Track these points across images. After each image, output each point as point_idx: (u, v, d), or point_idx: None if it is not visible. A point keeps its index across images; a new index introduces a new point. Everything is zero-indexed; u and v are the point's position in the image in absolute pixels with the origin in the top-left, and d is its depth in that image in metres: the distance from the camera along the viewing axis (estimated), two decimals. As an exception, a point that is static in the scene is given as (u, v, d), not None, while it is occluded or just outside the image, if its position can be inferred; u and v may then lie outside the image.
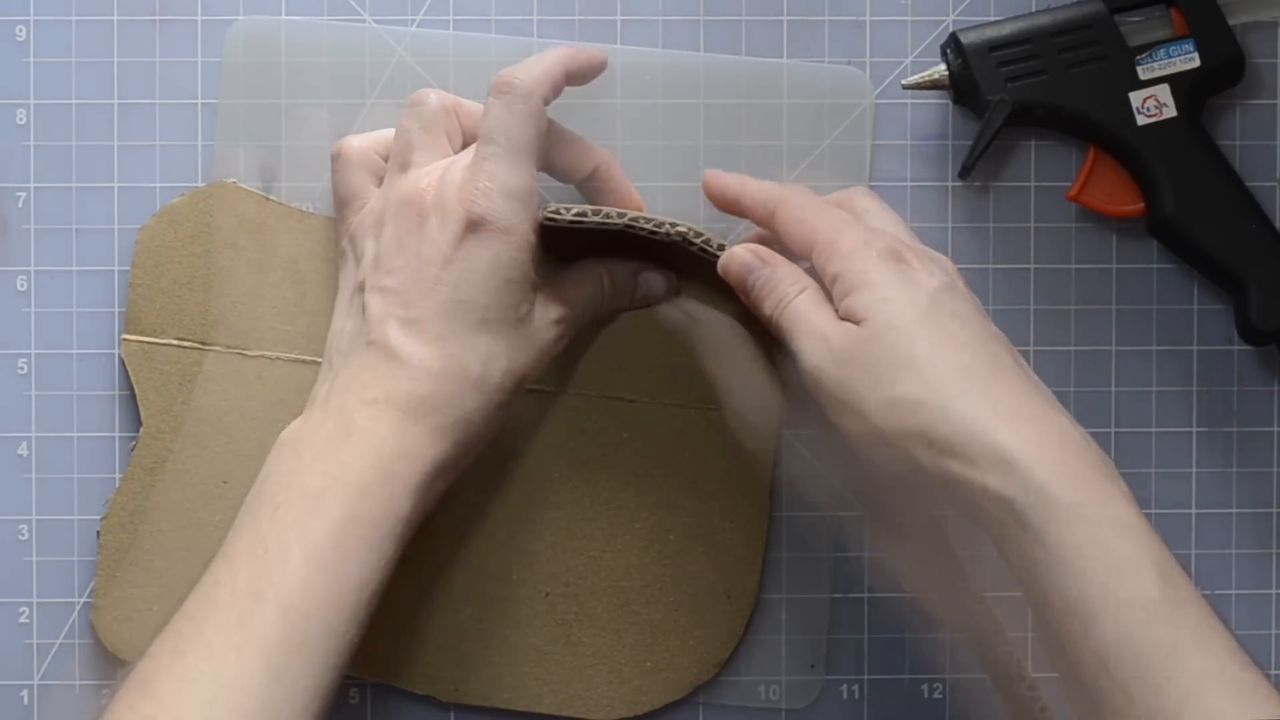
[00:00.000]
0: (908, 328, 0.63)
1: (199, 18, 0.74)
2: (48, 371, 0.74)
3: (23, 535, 0.74)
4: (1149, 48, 0.71)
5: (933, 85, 0.73)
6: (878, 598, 0.75)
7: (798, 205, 0.68)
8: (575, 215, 0.68)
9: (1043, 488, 0.60)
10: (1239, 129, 0.75)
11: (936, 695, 0.75)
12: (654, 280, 0.73)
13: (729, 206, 0.71)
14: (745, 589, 0.74)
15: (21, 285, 0.74)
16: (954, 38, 0.72)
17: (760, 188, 0.70)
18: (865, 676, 0.75)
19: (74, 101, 0.74)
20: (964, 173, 0.73)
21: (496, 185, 0.66)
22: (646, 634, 0.73)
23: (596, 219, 0.68)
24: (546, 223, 0.68)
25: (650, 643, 0.74)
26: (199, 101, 0.74)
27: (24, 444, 0.74)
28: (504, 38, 0.74)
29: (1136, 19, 0.72)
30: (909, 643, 0.75)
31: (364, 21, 0.74)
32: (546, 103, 0.68)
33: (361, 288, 0.68)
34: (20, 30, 0.74)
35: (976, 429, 0.61)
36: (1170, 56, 0.71)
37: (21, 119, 0.74)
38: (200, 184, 0.73)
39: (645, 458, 0.74)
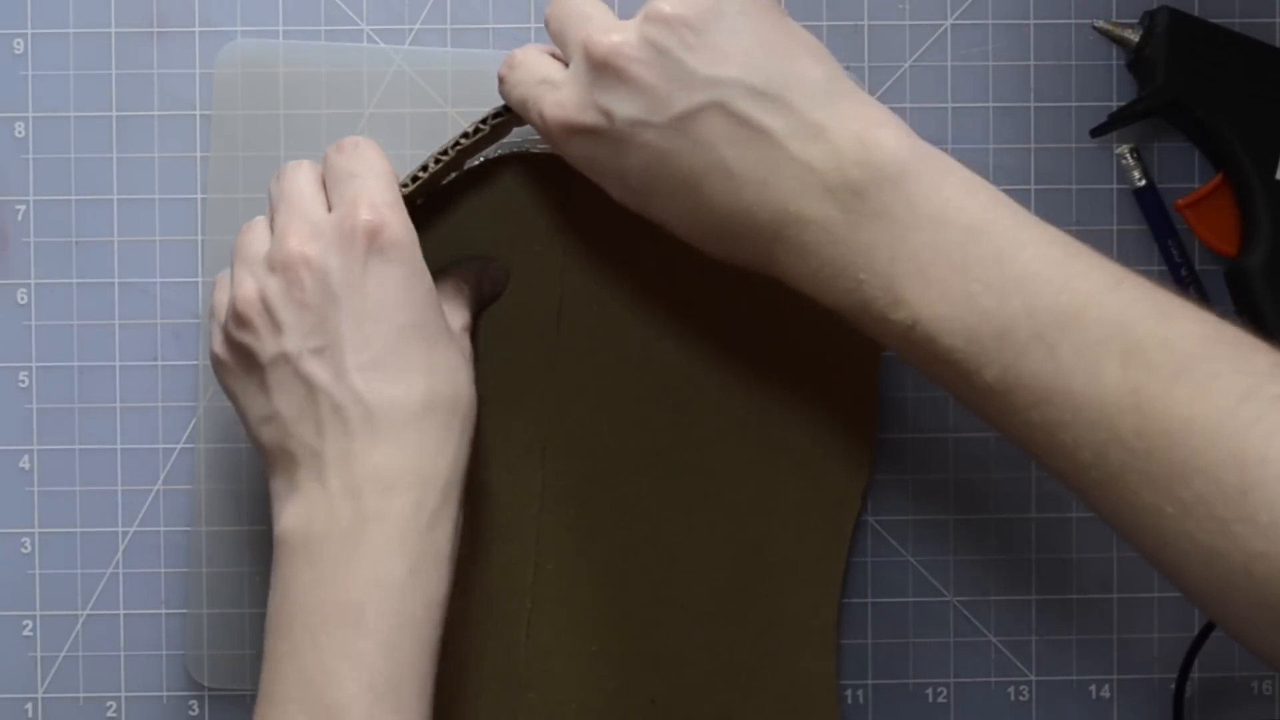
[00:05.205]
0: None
1: (196, 29, 0.74)
2: (49, 384, 0.74)
3: (25, 548, 0.74)
4: None
5: (1119, 40, 0.73)
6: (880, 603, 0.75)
7: None
8: (417, 174, 0.67)
9: None
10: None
11: (941, 699, 0.75)
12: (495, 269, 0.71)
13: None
14: None
15: (22, 298, 0.74)
16: (1168, 11, 0.72)
17: None
18: (870, 681, 0.75)
19: (72, 114, 0.74)
20: (1096, 131, 0.73)
21: (375, 199, 0.62)
22: None
23: (434, 167, 0.67)
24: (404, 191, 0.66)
25: None
26: (197, 113, 0.74)
27: (25, 457, 0.74)
28: (500, 52, 0.74)
29: None
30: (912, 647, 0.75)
31: (360, 29, 0.74)
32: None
33: (286, 360, 0.62)
34: (18, 43, 0.74)
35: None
36: None
37: (20, 132, 0.74)
38: (199, 195, 0.73)
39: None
